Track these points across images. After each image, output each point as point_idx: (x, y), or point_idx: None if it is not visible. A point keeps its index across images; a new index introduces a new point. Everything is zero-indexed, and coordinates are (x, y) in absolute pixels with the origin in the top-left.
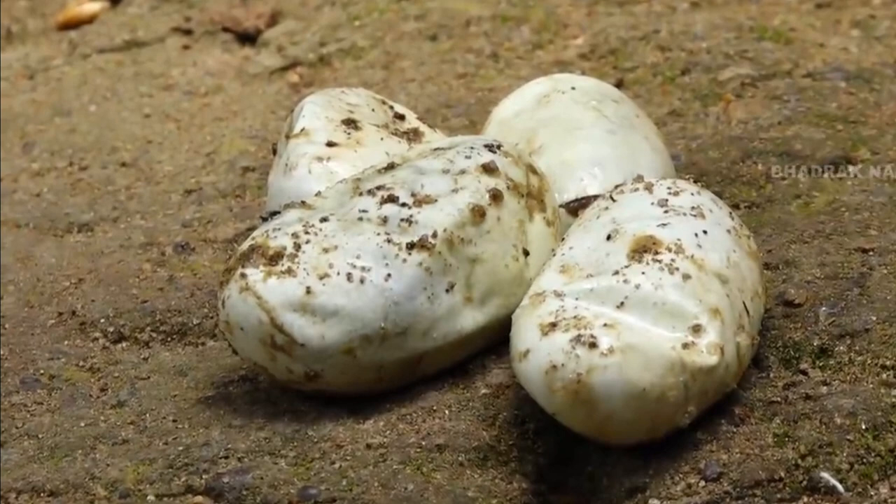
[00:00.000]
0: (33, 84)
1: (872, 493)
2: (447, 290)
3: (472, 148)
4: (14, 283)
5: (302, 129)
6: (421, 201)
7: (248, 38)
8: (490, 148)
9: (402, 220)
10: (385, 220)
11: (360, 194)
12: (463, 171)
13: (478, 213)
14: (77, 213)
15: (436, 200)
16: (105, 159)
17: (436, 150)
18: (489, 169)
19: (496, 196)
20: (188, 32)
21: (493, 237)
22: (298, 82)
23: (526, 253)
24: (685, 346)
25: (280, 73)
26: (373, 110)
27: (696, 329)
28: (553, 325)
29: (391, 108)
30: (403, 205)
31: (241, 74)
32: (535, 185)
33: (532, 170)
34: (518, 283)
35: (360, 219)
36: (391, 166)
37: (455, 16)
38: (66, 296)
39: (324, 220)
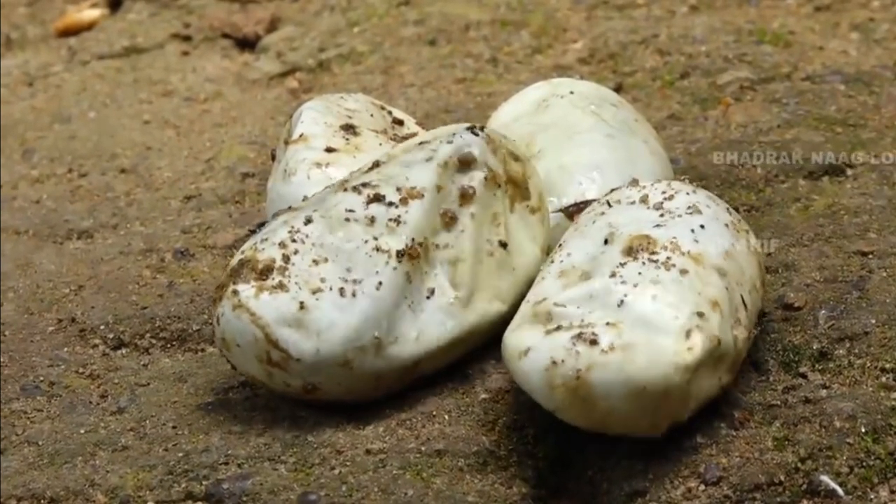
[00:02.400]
0: (33, 91)
1: (872, 497)
2: (427, 297)
3: (453, 134)
4: (14, 290)
5: (301, 135)
6: (408, 197)
7: (247, 44)
8: (472, 130)
9: (390, 219)
10: (373, 221)
11: (345, 190)
12: (445, 164)
13: (449, 218)
14: (77, 219)
15: (422, 196)
16: (104, 166)
17: (421, 143)
18: (465, 161)
19: (465, 195)
20: (187, 39)
21: (468, 235)
22: (298, 88)
23: (503, 245)
24: (685, 338)
25: (279, 78)
26: (371, 116)
27: (695, 322)
28: (557, 329)
29: (390, 113)
30: (390, 203)
31: (241, 80)
32: (518, 172)
33: (514, 156)
34: (498, 276)
35: (348, 219)
36: (376, 164)
37: (454, 20)
38: (66, 302)
39: (308, 221)
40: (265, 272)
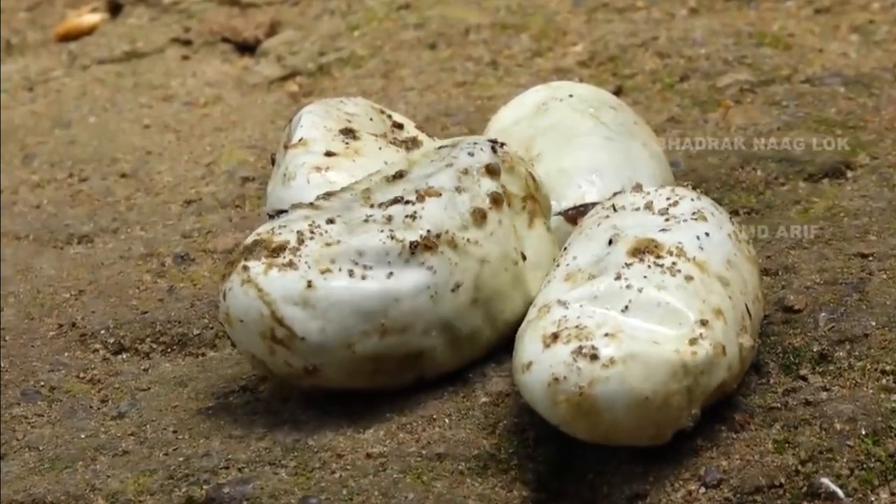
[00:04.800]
0: (33, 96)
1: (873, 499)
2: (453, 290)
3: (475, 144)
4: (14, 295)
5: (300, 139)
6: (424, 195)
7: (247, 48)
8: (493, 145)
9: (406, 216)
10: (390, 219)
11: (371, 206)
12: (466, 171)
13: (479, 216)
14: (77, 224)
15: (439, 194)
16: (105, 170)
17: (440, 148)
18: (491, 171)
19: (497, 200)
20: (187, 43)
21: (497, 239)
22: (297, 92)
23: (524, 257)
24: (689, 345)
25: (279, 82)
26: (371, 119)
27: (699, 330)
28: (555, 337)
29: (389, 117)
30: (407, 202)
31: (241, 84)
32: (537, 190)
33: (532, 175)
34: (515, 287)
35: (366, 221)
36: (400, 175)
37: (454, 24)
38: (67, 307)
39: (330, 221)
40: (277, 251)
